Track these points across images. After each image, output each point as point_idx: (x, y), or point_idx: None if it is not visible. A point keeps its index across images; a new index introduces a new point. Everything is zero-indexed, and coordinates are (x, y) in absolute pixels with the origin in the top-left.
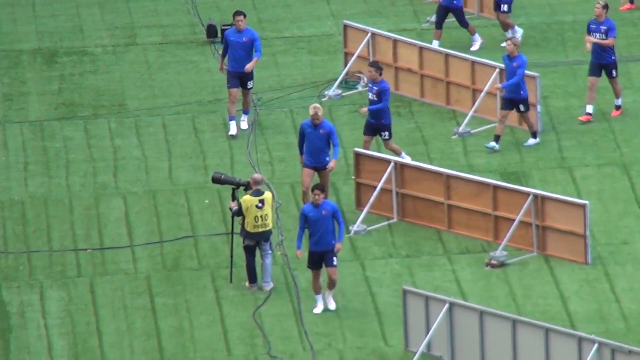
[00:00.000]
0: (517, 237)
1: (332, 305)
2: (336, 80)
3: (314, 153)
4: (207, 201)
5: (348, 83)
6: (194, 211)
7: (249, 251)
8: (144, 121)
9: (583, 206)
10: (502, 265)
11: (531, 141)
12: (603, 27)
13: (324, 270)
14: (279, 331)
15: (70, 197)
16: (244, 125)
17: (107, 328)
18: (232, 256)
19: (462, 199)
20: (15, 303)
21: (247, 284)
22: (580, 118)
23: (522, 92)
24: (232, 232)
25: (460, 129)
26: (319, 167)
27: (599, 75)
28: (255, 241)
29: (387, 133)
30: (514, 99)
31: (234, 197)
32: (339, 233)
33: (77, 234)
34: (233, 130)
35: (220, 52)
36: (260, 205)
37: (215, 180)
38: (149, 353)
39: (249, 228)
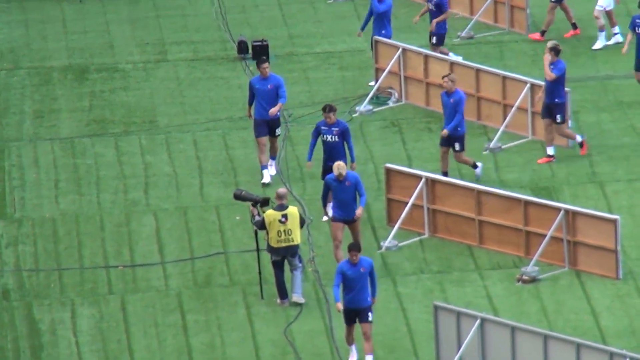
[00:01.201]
0: (548, 252)
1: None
2: (367, 95)
3: (342, 206)
4: (238, 217)
5: (379, 99)
6: (225, 228)
7: (277, 267)
8: (175, 137)
9: (614, 221)
10: (533, 280)
11: (477, 172)
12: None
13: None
14: (311, 348)
15: (101, 214)
16: (273, 170)
17: (138, 345)
18: (260, 272)
19: (493, 215)
20: (47, 321)
21: (278, 300)
22: (539, 161)
23: (459, 129)
24: (258, 249)
25: (492, 145)
26: (349, 219)
27: (550, 117)
28: (282, 256)
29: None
30: (452, 136)
31: (258, 212)
32: (373, 289)
33: (108, 251)
34: (266, 178)
35: (247, 97)
36: (283, 220)
37: (236, 196)
38: None
39: (273, 243)
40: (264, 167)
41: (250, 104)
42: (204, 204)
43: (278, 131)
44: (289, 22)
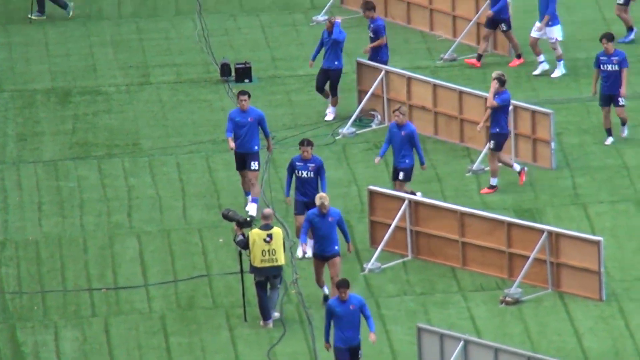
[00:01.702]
0: (531, 274)
1: None
2: (350, 118)
3: (322, 242)
4: (221, 240)
5: (362, 121)
6: (208, 250)
7: (260, 287)
8: (158, 160)
9: (597, 243)
10: (516, 302)
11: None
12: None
13: None
14: None
15: (84, 237)
16: (252, 210)
17: None
18: (243, 294)
19: (476, 236)
20: (30, 343)
21: (261, 322)
22: (481, 191)
23: (408, 161)
24: (242, 271)
25: (474, 167)
26: (329, 255)
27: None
28: (265, 276)
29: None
30: (398, 167)
31: (242, 233)
32: (369, 324)
33: (91, 273)
34: (252, 210)
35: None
36: (268, 239)
37: (224, 216)
38: None
39: (256, 263)
40: (248, 193)
41: (229, 136)
42: (187, 226)
43: (254, 165)
44: (272, 44)
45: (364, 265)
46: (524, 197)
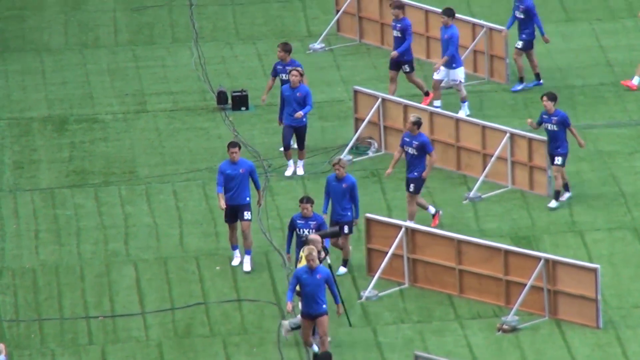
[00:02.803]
0: (528, 301)
1: None
2: (347, 145)
3: (310, 300)
4: (218, 268)
5: (359, 149)
6: (205, 278)
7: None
8: (155, 188)
9: (594, 270)
10: (513, 330)
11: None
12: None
13: None
14: None
15: (81, 265)
16: (247, 266)
17: None
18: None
19: (473, 264)
20: None
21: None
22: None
23: (349, 214)
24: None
25: (471, 194)
26: (316, 314)
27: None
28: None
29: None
30: (340, 221)
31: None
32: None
33: (88, 301)
34: (236, 261)
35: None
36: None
37: (322, 237)
38: None
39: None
40: (235, 247)
41: (220, 191)
42: (184, 254)
43: (247, 215)
44: (268, 72)
45: (361, 293)
46: (521, 225)
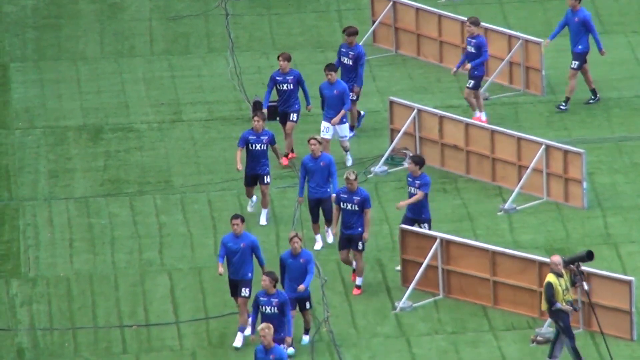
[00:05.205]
0: None
1: None
2: (382, 156)
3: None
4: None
5: (394, 159)
6: None
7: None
8: (190, 197)
9: (629, 283)
10: (548, 341)
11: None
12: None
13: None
14: None
15: (115, 274)
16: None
17: None
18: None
19: (507, 276)
20: None
21: None
22: None
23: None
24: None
25: (506, 206)
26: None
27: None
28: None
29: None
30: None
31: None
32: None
33: (122, 310)
34: (238, 342)
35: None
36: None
37: (565, 263)
38: None
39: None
40: (242, 328)
41: (221, 262)
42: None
43: (244, 292)
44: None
45: (395, 304)
46: (556, 237)
